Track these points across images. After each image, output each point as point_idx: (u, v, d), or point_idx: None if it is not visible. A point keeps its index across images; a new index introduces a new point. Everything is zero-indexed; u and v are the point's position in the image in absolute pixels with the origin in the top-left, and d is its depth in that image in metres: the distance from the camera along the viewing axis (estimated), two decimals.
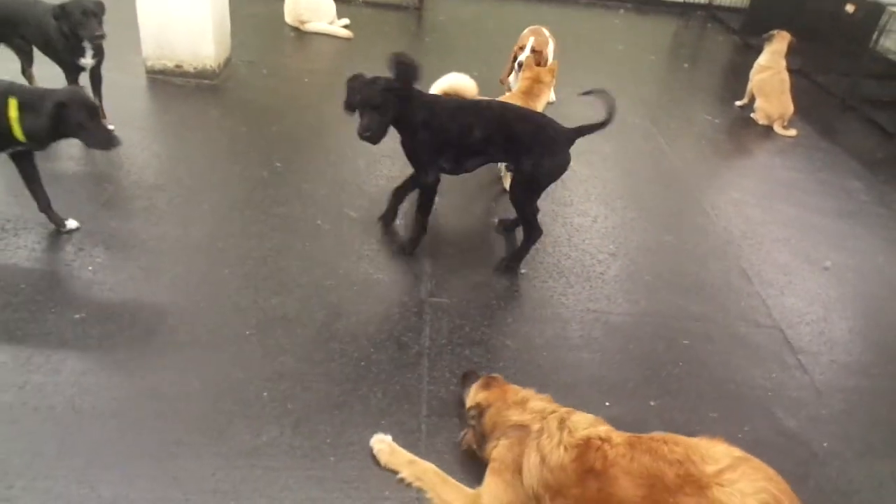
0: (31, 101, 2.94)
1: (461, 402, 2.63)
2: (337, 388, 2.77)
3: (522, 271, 3.63)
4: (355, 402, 2.73)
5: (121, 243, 3.42)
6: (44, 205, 3.38)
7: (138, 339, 2.87)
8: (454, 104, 3.44)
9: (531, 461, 2.16)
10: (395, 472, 2.42)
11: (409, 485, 2.39)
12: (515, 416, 2.34)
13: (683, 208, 4.52)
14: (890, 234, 4.54)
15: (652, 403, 2.91)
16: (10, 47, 4.40)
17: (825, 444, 2.82)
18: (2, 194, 3.63)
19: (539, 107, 4.20)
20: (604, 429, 2.17)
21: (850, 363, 3.31)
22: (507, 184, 4.28)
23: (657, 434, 2.12)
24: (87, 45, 4.01)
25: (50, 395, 2.57)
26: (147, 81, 5.23)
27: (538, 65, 4.43)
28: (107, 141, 3.11)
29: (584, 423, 2.19)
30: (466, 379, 2.68)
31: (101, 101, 4.35)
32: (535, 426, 2.25)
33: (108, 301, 3.05)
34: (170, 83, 5.23)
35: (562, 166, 3.41)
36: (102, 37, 3.94)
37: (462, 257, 3.70)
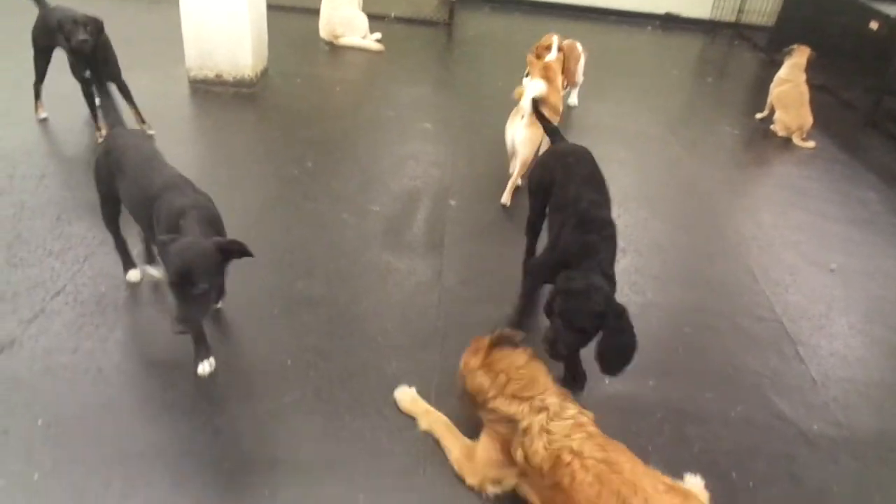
0: None
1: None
2: (355, 361, 3.01)
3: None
4: (371, 372, 2.96)
5: None
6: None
7: None
8: None
9: (517, 453, 2.30)
10: (412, 418, 2.71)
11: (423, 432, 2.65)
12: (504, 407, 2.38)
13: (695, 211, 4.69)
14: None
15: (651, 383, 3.08)
16: None
17: (815, 427, 2.95)
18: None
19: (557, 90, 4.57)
20: (579, 438, 2.20)
21: (848, 356, 3.43)
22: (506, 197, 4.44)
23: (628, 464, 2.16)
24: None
25: (99, 359, 2.86)
26: (190, 90, 5.60)
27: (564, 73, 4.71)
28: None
29: (563, 432, 2.23)
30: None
31: (135, 108, 4.67)
32: (523, 423, 2.30)
33: (150, 280, 3.34)
34: (210, 91, 5.59)
35: None
36: (86, 42, 4.06)
37: (476, 247, 3.92)
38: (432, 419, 2.67)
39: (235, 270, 3.47)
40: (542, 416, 2.29)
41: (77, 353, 2.87)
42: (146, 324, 3.10)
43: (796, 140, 6.00)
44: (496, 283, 3.64)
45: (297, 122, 5.25)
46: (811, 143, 5.97)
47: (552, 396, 2.36)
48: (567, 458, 2.15)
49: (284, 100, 5.64)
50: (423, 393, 2.83)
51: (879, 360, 3.43)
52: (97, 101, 4.03)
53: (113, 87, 4.22)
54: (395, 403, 2.78)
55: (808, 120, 6.00)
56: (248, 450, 2.53)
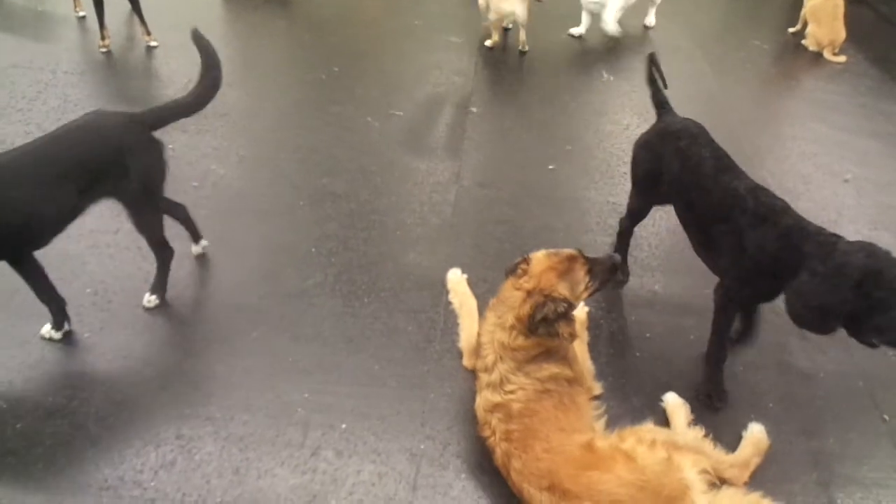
0: None
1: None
2: (374, 250, 3.22)
3: (550, 167, 3.96)
4: (388, 261, 3.16)
5: (195, 127, 3.90)
6: None
7: (208, 200, 3.39)
8: None
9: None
10: (426, 302, 2.96)
11: (452, 307, 2.90)
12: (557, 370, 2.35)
13: (714, 122, 4.67)
14: None
15: (657, 276, 3.25)
16: None
17: None
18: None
19: None
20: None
21: None
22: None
23: None
24: None
25: (137, 238, 3.10)
26: None
27: None
28: None
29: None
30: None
31: (142, 19, 4.72)
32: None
33: (189, 169, 3.56)
34: None
35: None
36: None
37: (493, 151, 4.05)
38: (462, 299, 2.89)
39: (264, 167, 3.69)
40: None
41: (118, 234, 3.12)
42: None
43: (827, 55, 5.90)
44: (511, 185, 3.78)
45: (325, 29, 5.33)
46: (842, 58, 5.87)
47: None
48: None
49: (315, 6, 5.70)
50: (436, 280, 3.04)
51: None
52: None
53: None
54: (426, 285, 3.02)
55: (841, 34, 5.88)
56: (274, 325, 2.78)
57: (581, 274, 2.36)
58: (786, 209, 2.37)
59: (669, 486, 2.06)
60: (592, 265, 2.39)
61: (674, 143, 2.72)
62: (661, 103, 2.98)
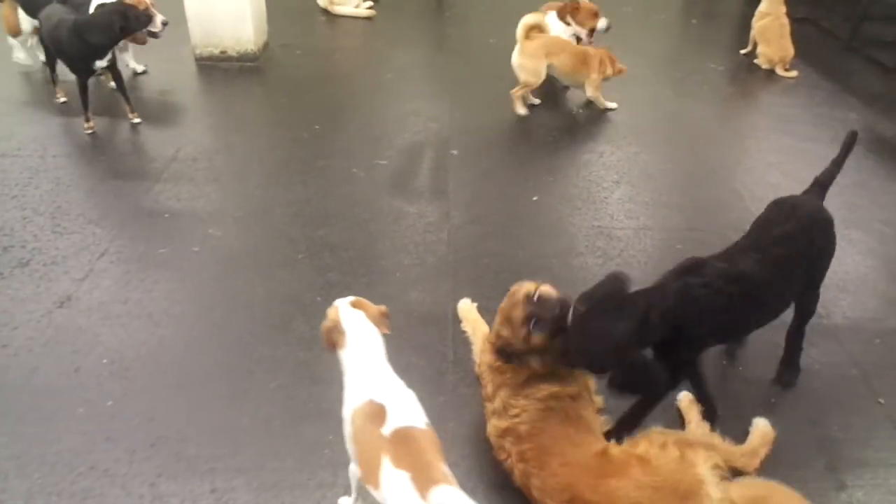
0: None
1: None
2: (376, 293, 3.30)
3: (534, 199, 4.13)
4: (392, 301, 3.18)
5: (188, 195, 4.03)
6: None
7: (211, 263, 3.49)
8: None
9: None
10: (432, 337, 3.08)
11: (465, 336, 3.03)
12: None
13: (682, 143, 4.96)
14: (874, 154, 4.89)
15: None
16: None
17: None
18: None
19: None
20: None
21: None
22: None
23: None
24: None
25: (147, 306, 3.19)
26: (196, 68, 5.85)
27: None
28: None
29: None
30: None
31: (126, 98, 4.83)
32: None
33: (188, 236, 3.67)
34: (216, 67, 5.84)
35: None
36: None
37: (479, 189, 4.21)
38: (474, 327, 3.02)
39: (259, 225, 3.82)
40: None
41: (128, 304, 3.20)
42: (186, 274, 3.41)
43: (779, 71, 6.22)
44: (500, 218, 3.94)
45: (301, 90, 5.52)
46: (794, 73, 6.20)
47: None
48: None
49: (287, 70, 5.90)
50: (440, 315, 3.16)
51: (854, 256, 3.75)
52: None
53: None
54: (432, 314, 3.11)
55: (790, 51, 6.22)
56: (290, 371, 2.87)
57: (519, 319, 2.34)
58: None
59: (685, 482, 2.15)
60: (538, 310, 2.32)
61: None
62: (824, 185, 2.90)
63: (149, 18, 4.52)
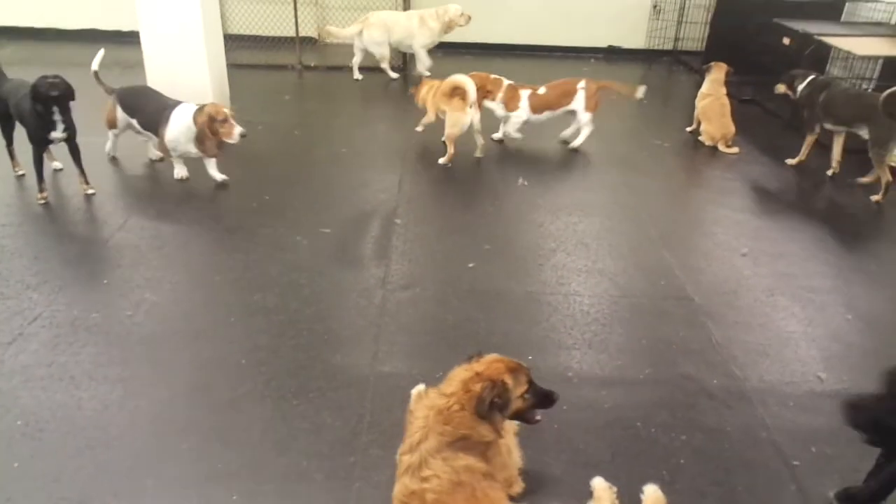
0: None
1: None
2: (303, 355, 3.37)
3: (470, 266, 4.24)
4: (317, 364, 3.32)
5: (129, 261, 4.11)
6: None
7: (141, 327, 3.54)
8: None
9: None
10: (350, 397, 3.10)
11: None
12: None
13: (621, 212, 5.12)
14: (804, 226, 5.06)
15: (573, 354, 3.46)
16: None
17: (715, 381, 3.32)
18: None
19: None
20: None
21: (751, 322, 3.80)
22: None
23: None
24: (56, 119, 4.64)
25: (71, 369, 3.21)
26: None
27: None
28: None
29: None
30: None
31: (82, 170, 4.96)
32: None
33: (123, 301, 3.72)
34: None
35: None
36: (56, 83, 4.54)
37: (417, 256, 4.32)
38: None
39: (197, 290, 3.88)
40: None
41: (52, 367, 3.22)
42: (115, 338, 3.45)
43: (722, 147, 6.50)
44: (435, 284, 4.04)
45: (257, 163, 5.70)
46: (735, 150, 6.47)
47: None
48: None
49: (246, 144, 6.02)
50: (361, 377, 3.21)
51: (778, 322, 3.83)
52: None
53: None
54: (336, 389, 3.14)
55: (731, 129, 6.51)
56: (204, 434, 2.87)
57: (524, 379, 2.46)
58: None
59: None
60: (534, 383, 2.49)
61: None
62: None
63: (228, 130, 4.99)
